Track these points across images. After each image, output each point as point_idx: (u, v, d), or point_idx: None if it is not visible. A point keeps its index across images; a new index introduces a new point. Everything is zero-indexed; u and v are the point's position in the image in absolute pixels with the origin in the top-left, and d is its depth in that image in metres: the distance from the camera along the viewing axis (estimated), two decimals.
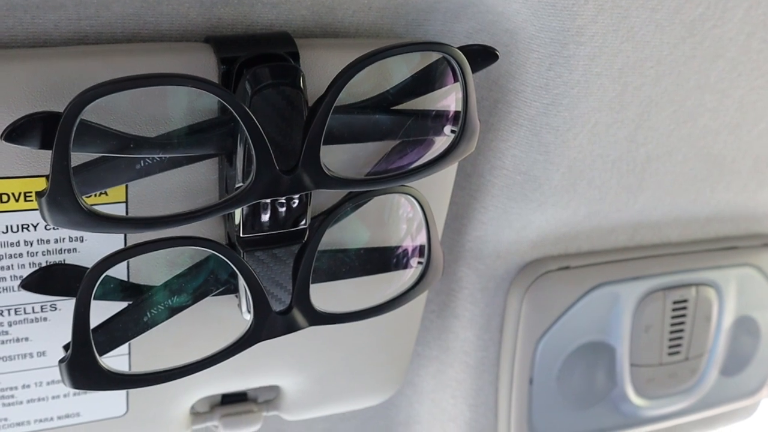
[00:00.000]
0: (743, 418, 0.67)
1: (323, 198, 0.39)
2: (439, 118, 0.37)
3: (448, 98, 0.37)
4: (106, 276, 0.33)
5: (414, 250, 0.42)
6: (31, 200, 0.34)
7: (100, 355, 0.34)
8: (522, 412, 0.56)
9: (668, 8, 0.41)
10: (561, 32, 0.40)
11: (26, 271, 0.36)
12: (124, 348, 0.39)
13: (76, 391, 0.40)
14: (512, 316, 0.54)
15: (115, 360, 0.39)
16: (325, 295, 0.38)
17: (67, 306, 0.37)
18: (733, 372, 0.62)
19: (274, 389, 0.49)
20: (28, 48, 0.34)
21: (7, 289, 0.36)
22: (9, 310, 0.36)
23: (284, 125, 0.33)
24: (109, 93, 0.29)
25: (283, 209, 0.36)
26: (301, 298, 0.37)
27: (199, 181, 0.36)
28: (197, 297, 0.37)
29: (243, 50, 0.34)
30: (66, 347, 0.35)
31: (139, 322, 0.36)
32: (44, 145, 0.29)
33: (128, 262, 0.36)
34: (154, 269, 0.37)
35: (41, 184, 0.34)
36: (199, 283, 0.37)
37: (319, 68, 0.36)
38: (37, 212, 0.34)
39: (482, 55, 0.37)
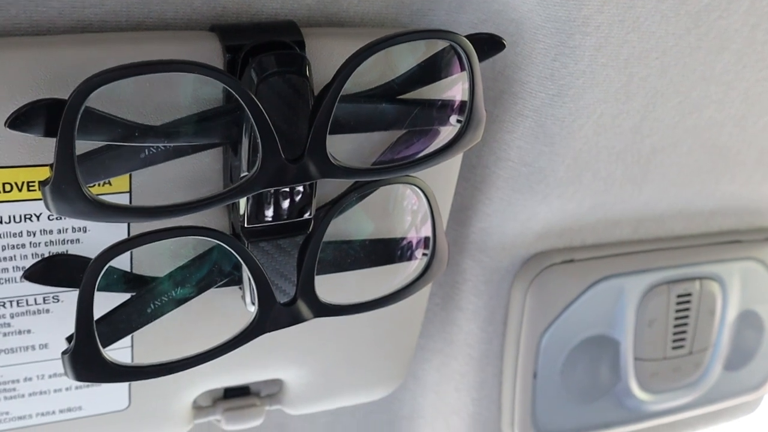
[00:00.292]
0: (747, 413, 0.67)
1: (327, 189, 0.38)
2: (445, 107, 0.37)
3: (454, 88, 0.37)
4: (110, 267, 0.33)
5: (419, 241, 0.41)
6: (34, 190, 0.34)
7: (104, 346, 0.34)
8: (526, 406, 0.55)
9: None
10: (567, 22, 0.39)
11: (29, 262, 0.35)
12: (126, 340, 0.39)
13: (79, 384, 0.40)
14: (516, 308, 0.53)
15: (118, 352, 0.39)
16: (329, 287, 0.38)
17: (69, 297, 0.37)
18: (736, 366, 0.62)
19: (277, 383, 0.48)
20: (32, 36, 0.33)
21: (9, 280, 0.36)
22: (11, 302, 0.36)
23: (290, 114, 0.33)
24: (115, 79, 0.29)
25: (288, 199, 0.36)
26: (306, 289, 0.37)
27: (203, 170, 0.36)
28: (201, 288, 0.37)
29: (248, 38, 0.34)
30: (69, 339, 0.34)
31: (143, 314, 0.36)
32: (48, 133, 0.29)
33: (132, 253, 0.36)
34: (157, 260, 0.36)
35: (44, 174, 0.33)
36: (203, 275, 0.37)
37: (324, 57, 0.36)
38: (40, 202, 0.34)
39: (489, 44, 0.37)
